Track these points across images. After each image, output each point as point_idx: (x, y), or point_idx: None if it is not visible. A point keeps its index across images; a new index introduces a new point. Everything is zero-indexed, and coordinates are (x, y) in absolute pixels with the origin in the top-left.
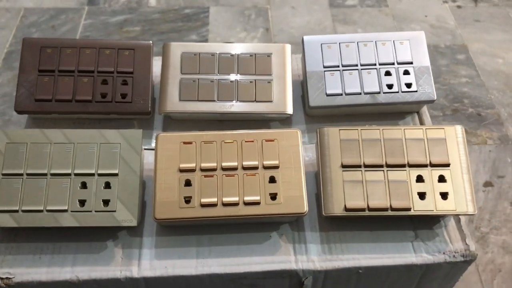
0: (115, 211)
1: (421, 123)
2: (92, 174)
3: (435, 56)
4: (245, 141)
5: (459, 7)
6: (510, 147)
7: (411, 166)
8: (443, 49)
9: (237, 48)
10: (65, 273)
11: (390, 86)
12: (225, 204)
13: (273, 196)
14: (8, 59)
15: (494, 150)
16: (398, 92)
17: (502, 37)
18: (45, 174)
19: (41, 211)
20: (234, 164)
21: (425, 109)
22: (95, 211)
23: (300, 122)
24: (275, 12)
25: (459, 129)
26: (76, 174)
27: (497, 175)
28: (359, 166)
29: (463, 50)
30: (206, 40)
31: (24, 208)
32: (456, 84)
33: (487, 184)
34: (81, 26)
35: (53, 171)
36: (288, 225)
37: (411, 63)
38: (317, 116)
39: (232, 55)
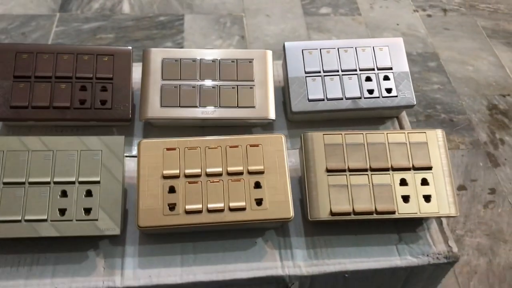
0: (97, 219)
1: (401, 127)
2: (73, 182)
3: (408, 63)
4: (230, 147)
5: (429, 16)
6: (481, 151)
7: (394, 169)
8: (415, 56)
9: (218, 54)
10: (44, 285)
11: (371, 92)
12: (210, 211)
13: (259, 202)
14: None
15: (467, 154)
16: (379, 97)
17: (471, 45)
18: (23, 183)
19: (19, 221)
20: (219, 170)
21: (404, 114)
22: (76, 220)
23: (282, 128)
24: (250, 20)
25: (440, 133)
26: (55, 183)
27: (470, 179)
28: (344, 171)
29: (434, 57)
30: (181, 48)
31: (1, 218)
32: (428, 91)
33: (461, 188)
34: (52, 33)
35: (31, 180)
36: (273, 231)
37: (391, 68)
38: (298, 121)
39: (213, 61)
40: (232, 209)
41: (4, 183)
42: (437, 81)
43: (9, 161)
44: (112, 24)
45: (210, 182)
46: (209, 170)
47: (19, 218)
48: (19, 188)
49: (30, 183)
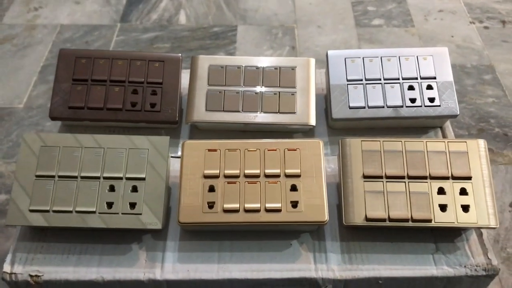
0: (141, 214)
1: (444, 138)
2: (120, 178)
3: (461, 76)
4: (268, 150)
5: (486, 28)
6: None
7: (432, 178)
8: (470, 69)
9: (262, 61)
10: (91, 273)
11: (413, 100)
12: (247, 210)
13: (294, 204)
14: (43, 72)
15: None
16: (421, 106)
17: None
18: (75, 177)
19: (70, 212)
20: (257, 171)
21: (448, 124)
22: (122, 214)
23: (323, 135)
24: (301, 31)
25: (481, 143)
26: (105, 178)
27: None
28: (381, 177)
29: (490, 70)
30: None
31: (54, 208)
32: (482, 104)
33: None
34: (113, 42)
35: (83, 174)
36: (309, 234)
37: (434, 78)
38: (339, 128)
39: (257, 68)
40: (268, 210)
41: (59, 176)
42: (492, 94)
43: (64, 156)
44: (168, 34)
45: (248, 183)
46: (247, 171)
47: (71, 209)
48: (72, 182)
49: (82, 177)
